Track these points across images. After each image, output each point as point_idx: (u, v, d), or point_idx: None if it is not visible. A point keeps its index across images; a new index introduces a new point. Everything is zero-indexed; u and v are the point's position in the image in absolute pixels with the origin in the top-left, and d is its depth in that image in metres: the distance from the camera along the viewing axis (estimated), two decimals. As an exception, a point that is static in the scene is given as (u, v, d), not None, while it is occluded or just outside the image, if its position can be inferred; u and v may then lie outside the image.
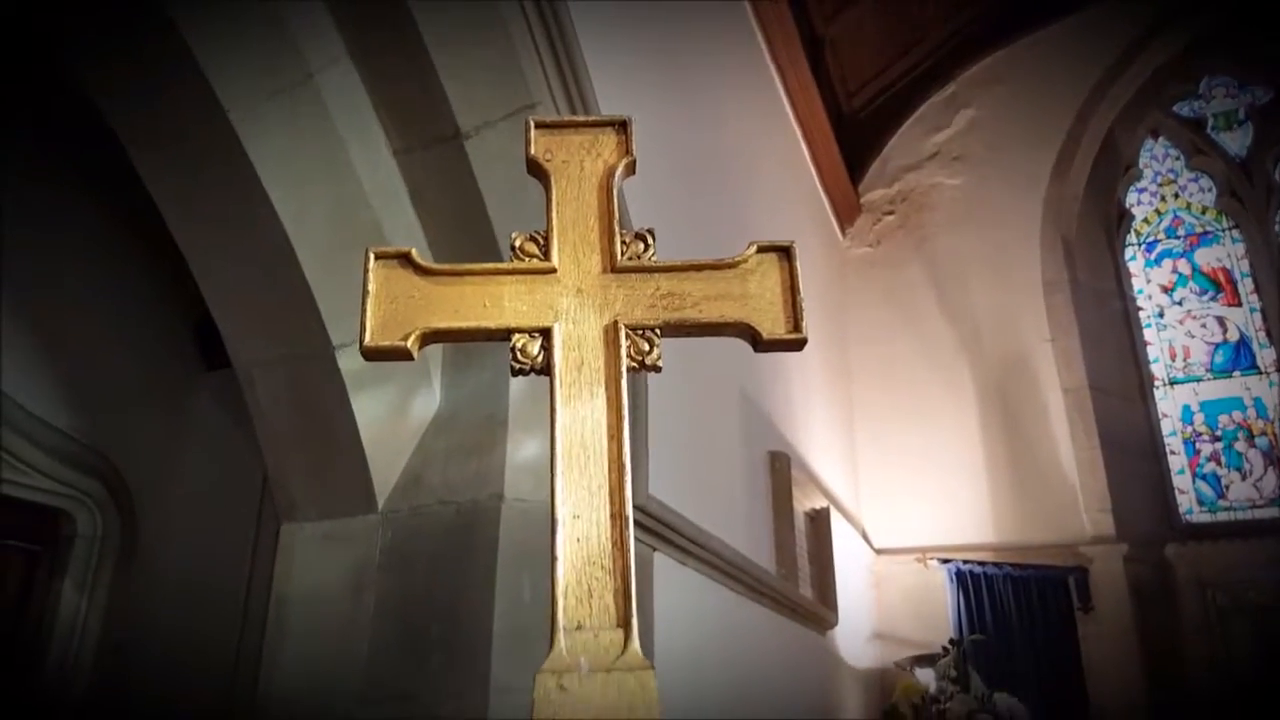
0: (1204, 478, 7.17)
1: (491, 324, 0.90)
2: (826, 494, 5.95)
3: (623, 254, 0.92)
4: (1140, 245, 7.90)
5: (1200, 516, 7.06)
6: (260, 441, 3.07)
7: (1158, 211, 7.97)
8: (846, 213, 8.19)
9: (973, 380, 7.51)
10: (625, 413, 0.84)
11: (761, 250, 0.94)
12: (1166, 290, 7.69)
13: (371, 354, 0.90)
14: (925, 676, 5.30)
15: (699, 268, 0.92)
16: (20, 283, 3.48)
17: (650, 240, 0.93)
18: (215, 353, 3.89)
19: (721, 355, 4.22)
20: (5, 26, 3.29)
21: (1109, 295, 7.68)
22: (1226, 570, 6.52)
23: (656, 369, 0.88)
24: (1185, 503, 7.12)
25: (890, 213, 8.29)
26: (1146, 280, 7.77)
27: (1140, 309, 7.68)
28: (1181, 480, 7.18)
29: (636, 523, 2.45)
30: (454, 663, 2.58)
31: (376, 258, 0.93)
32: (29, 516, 3.53)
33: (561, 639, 0.76)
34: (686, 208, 4.09)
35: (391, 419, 2.89)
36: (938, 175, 8.18)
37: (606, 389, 0.86)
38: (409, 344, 0.90)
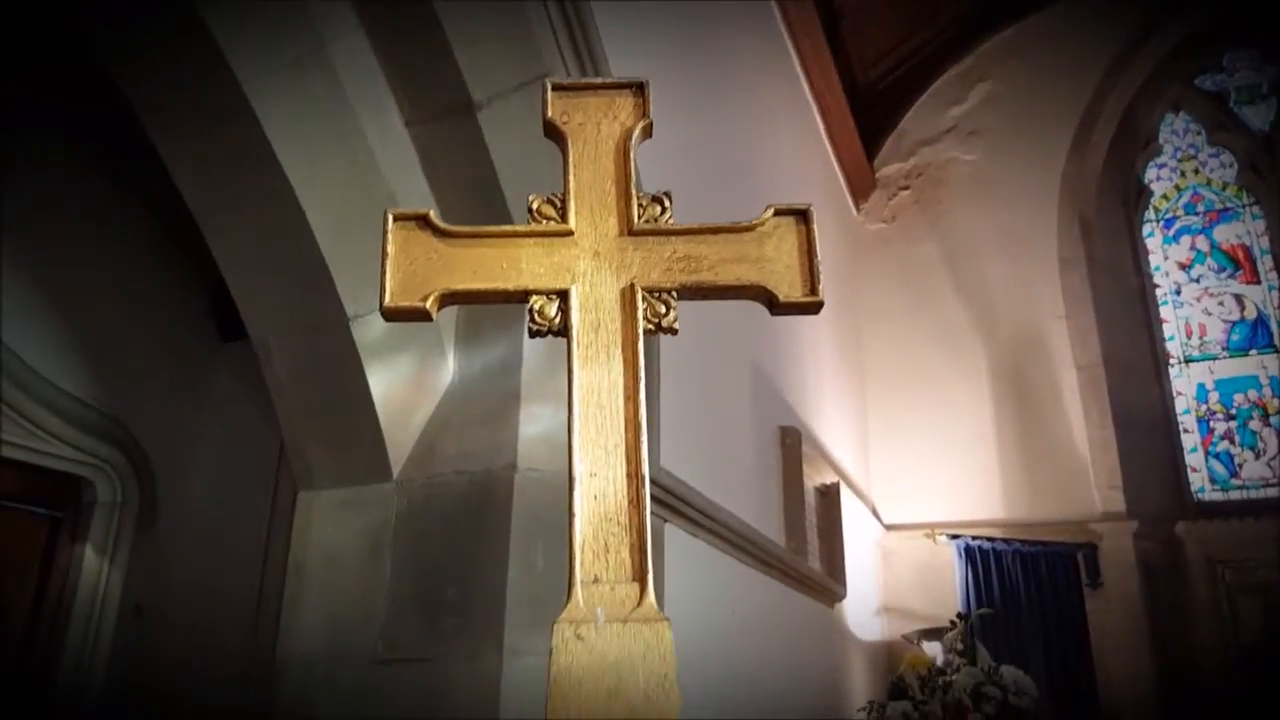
0: (1217, 456, 7.14)
1: (509, 286, 0.91)
2: (837, 469, 5.97)
3: (640, 217, 0.93)
4: (1158, 222, 7.83)
5: (1212, 495, 7.04)
6: (276, 411, 3.10)
7: (1177, 187, 7.88)
8: (861, 188, 8.14)
9: (986, 357, 7.49)
10: (641, 374, 0.86)
11: (779, 213, 0.94)
12: (1184, 267, 7.62)
13: (391, 314, 0.91)
14: (932, 650, 5.32)
15: (716, 230, 0.93)
16: (40, 257, 3.52)
17: (667, 203, 0.93)
18: (231, 324, 3.92)
19: (734, 331, 4.23)
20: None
21: (1125, 272, 7.62)
22: (1237, 548, 6.51)
23: (673, 331, 0.89)
24: (1197, 481, 7.10)
25: (905, 188, 8.23)
26: (1164, 257, 7.70)
27: (1157, 286, 7.62)
28: (1194, 459, 7.16)
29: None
30: (468, 627, 2.63)
31: (395, 219, 0.94)
32: (51, 483, 3.59)
33: (579, 592, 0.78)
34: (697, 181, 4.08)
35: (406, 389, 2.92)
36: (954, 150, 8.11)
37: (623, 351, 0.87)
38: (428, 304, 0.91)
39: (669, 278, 0.91)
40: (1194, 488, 7.08)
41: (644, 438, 0.83)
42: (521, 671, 2.51)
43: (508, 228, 0.93)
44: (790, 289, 0.91)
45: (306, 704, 2.79)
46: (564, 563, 0.83)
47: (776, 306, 0.92)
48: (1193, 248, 7.64)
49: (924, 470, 7.25)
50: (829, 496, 5.57)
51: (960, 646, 4.75)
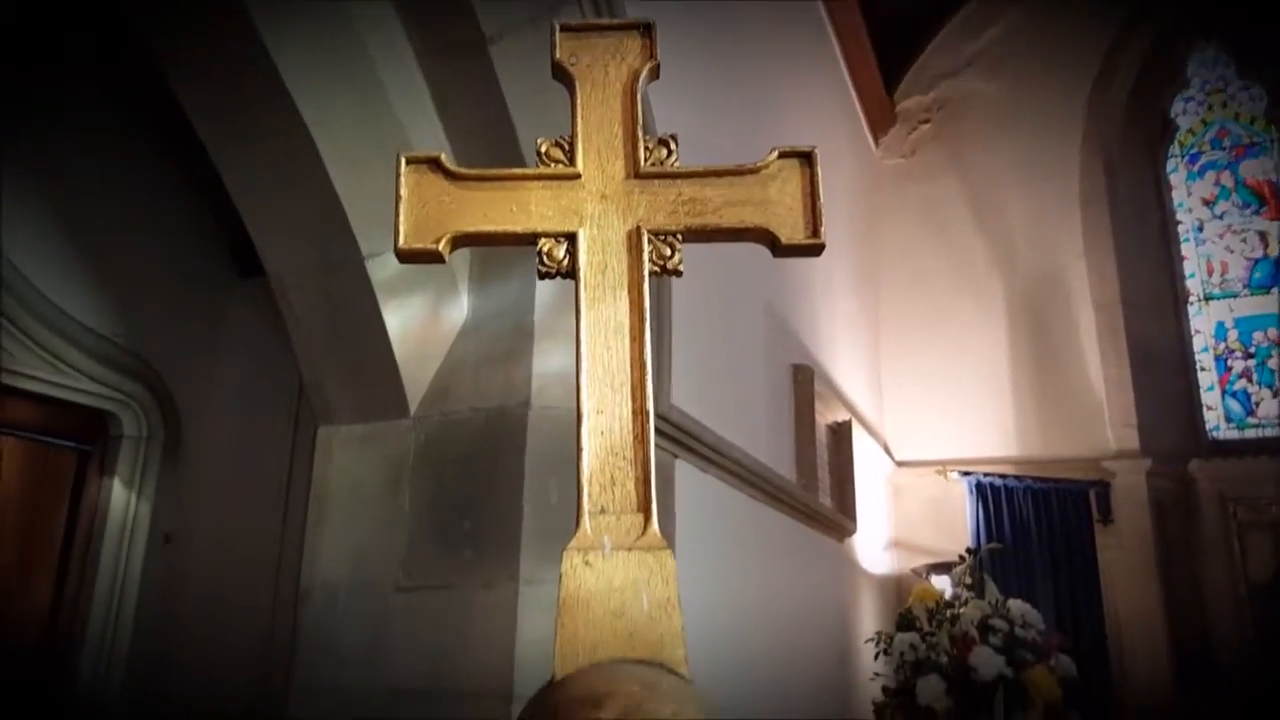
0: (1234, 395, 7.13)
1: (519, 228, 0.94)
2: (849, 407, 6.01)
3: (646, 160, 0.94)
4: (1183, 157, 7.68)
5: (1228, 433, 7.06)
6: (295, 348, 3.16)
7: (1204, 121, 7.71)
8: (880, 122, 8.00)
9: (1003, 294, 7.45)
10: (647, 315, 0.88)
11: (783, 156, 0.96)
12: (1207, 203, 7.50)
13: (405, 256, 0.94)
14: (941, 583, 5.42)
15: (720, 174, 0.95)
16: (62, 196, 3.56)
17: (673, 146, 0.95)
18: (250, 261, 3.96)
19: (747, 269, 4.23)
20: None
21: (1147, 208, 7.51)
22: (1249, 486, 6.54)
23: (678, 273, 0.92)
24: (1213, 419, 7.11)
25: (926, 121, 8.09)
26: (1187, 193, 7.58)
27: (1179, 223, 7.52)
28: (1210, 397, 7.15)
29: (658, 430, 2.52)
30: (485, 556, 2.71)
31: (408, 162, 0.96)
32: (79, 418, 3.69)
33: (586, 521, 0.82)
34: (712, 113, 4.04)
35: (421, 328, 2.96)
36: (976, 83, 7.94)
37: (629, 292, 0.89)
38: (440, 246, 0.94)
39: (674, 220, 0.93)
40: (1209, 426, 7.09)
41: (649, 376, 0.87)
42: (536, 599, 2.59)
43: (516, 170, 0.95)
44: (793, 231, 0.93)
45: (330, 628, 2.90)
46: (576, 483, 0.87)
47: (779, 249, 0.94)
48: (1217, 183, 7.52)
49: (937, 407, 7.28)
50: (840, 434, 5.63)
51: (968, 581, 4.82)
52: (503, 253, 2.88)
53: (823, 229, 0.92)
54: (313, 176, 2.80)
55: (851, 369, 6.46)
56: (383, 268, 2.90)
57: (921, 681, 4.09)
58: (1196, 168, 7.62)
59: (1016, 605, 4.53)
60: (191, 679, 3.82)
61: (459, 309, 3.06)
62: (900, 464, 7.23)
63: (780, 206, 0.92)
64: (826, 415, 5.43)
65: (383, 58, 2.84)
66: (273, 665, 3.80)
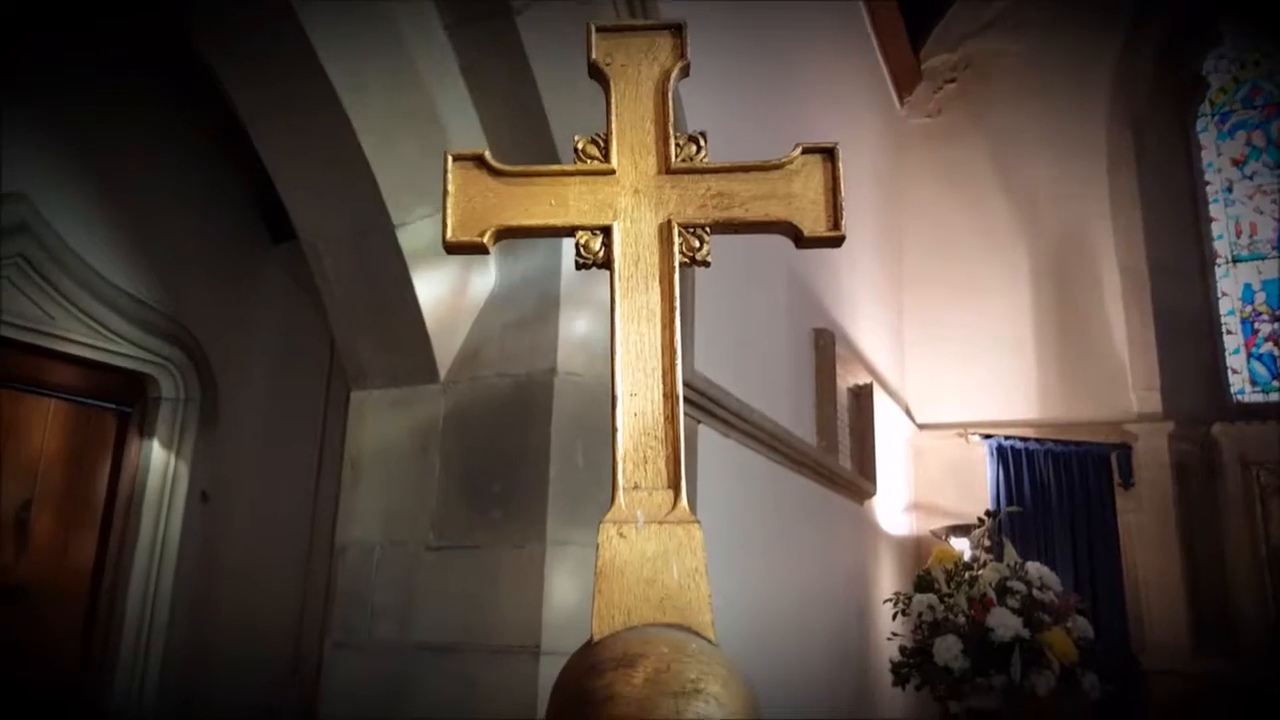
0: (1259, 358, 7.08)
1: (558, 222, 0.99)
2: (871, 370, 6.05)
3: (677, 156, 0.99)
4: (1213, 116, 7.55)
5: (1252, 396, 7.02)
6: (328, 314, 3.25)
7: (1235, 80, 7.56)
8: (905, 81, 7.91)
9: (1027, 256, 7.41)
10: (677, 304, 0.94)
11: (806, 151, 1.00)
12: (1237, 164, 7.39)
13: (453, 248, 1.00)
14: (960, 545, 5.49)
15: (746, 169, 1.00)
16: (99, 165, 3.65)
17: (702, 142, 1.00)
18: (280, 226, 4.04)
19: (771, 236, 4.25)
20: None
21: (1176, 169, 7.41)
22: (1273, 449, 6.50)
23: (706, 264, 0.97)
24: (1238, 383, 7.06)
25: (951, 81, 7.99)
26: (1217, 153, 7.46)
27: (1208, 183, 7.41)
28: (1236, 360, 7.11)
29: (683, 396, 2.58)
30: (514, 517, 2.80)
31: (454, 160, 1.01)
32: (119, 381, 3.82)
33: (621, 496, 0.89)
34: (735, 71, 4.04)
35: (451, 295, 3.02)
36: (1002, 42, 7.82)
37: (660, 282, 0.95)
38: (485, 239, 1.00)
39: (703, 214, 0.98)
40: (1233, 389, 7.05)
41: (679, 361, 0.93)
42: (563, 559, 2.69)
43: (555, 167, 1.00)
44: (815, 224, 0.98)
45: (364, 584, 3.02)
46: (602, 462, 0.94)
47: (802, 240, 0.99)
48: (1248, 143, 7.39)
49: (960, 370, 7.29)
50: (862, 397, 5.67)
51: (987, 542, 4.88)
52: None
53: (843, 222, 0.97)
54: (344, 147, 2.86)
55: (874, 332, 6.48)
56: (413, 236, 2.96)
57: (939, 642, 4.17)
58: (1227, 127, 7.49)
59: (1034, 567, 4.59)
60: (230, 629, 3.99)
61: (487, 277, 3.12)
62: (921, 427, 7.27)
63: (804, 200, 0.97)
64: (848, 379, 5.47)
65: (411, 29, 2.87)
66: (307, 616, 3.96)
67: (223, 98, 2.95)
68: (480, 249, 1.00)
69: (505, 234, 1.02)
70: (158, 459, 3.89)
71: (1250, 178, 7.32)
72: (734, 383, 3.56)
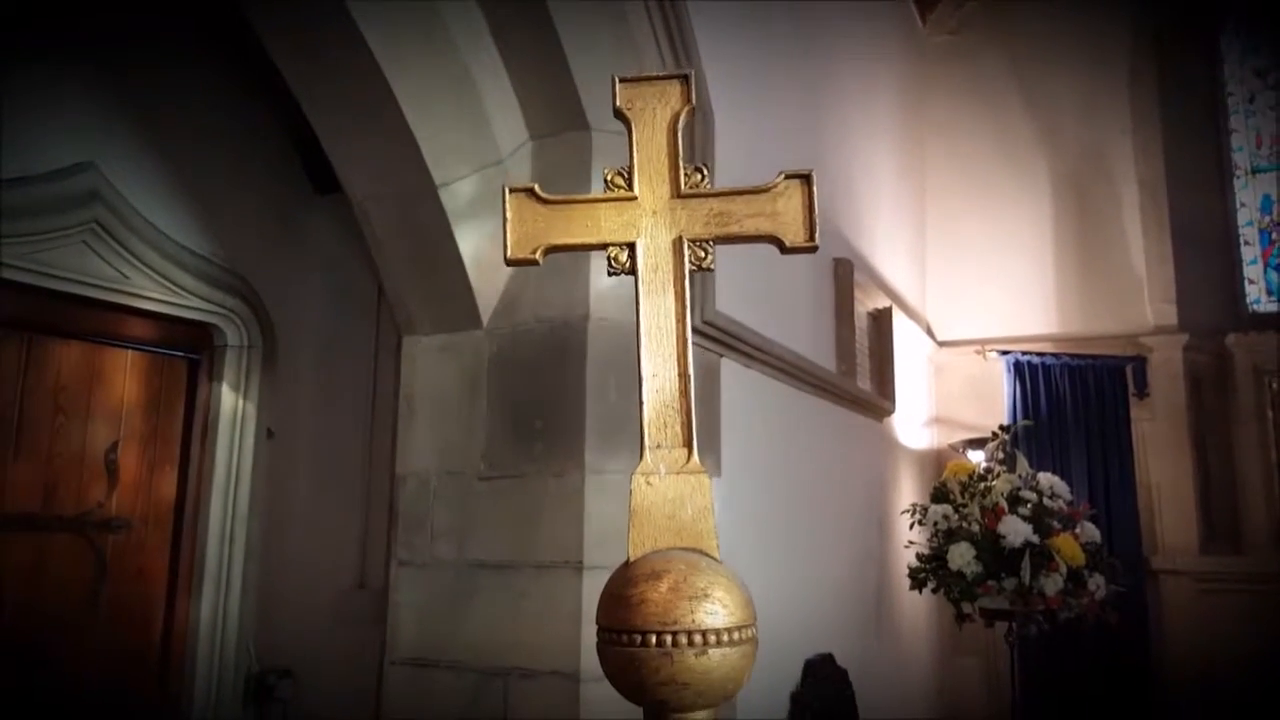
0: (1276, 268, 7.18)
1: (593, 240, 1.26)
2: (890, 293, 6.24)
3: (685, 183, 1.25)
4: (1238, 31, 7.46)
5: (1268, 306, 7.14)
6: (379, 266, 3.53)
7: (1264, -13, 7.45)
8: (927, -1, 7.88)
9: (1048, 171, 7.49)
10: (688, 302, 1.21)
11: (788, 177, 1.26)
12: (1259, 74, 7.34)
13: (512, 263, 1.27)
14: (976, 458, 5.77)
15: (741, 192, 1.25)
16: (163, 135, 3.92)
17: (705, 171, 1.25)
18: (324, 178, 4.30)
19: (790, 167, 4.43)
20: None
21: (1198, 81, 7.38)
22: (1286, 358, 6.66)
23: (710, 270, 1.24)
24: (1254, 293, 7.18)
25: (974, -4, 7.94)
26: (1240, 64, 7.41)
27: (1230, 95, 7.39)
28: (1253, 270, 7.21)
29: (705, 335, 2.86)
30: (554, 449, 3.13)
31: (511, 191, 1.28)
32: (188, 331, 4.16)
33: (648, 454, 1.18)
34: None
35: (491, 248, 3.29)
36: (1027, -47, 7.73)
37: (674, 286, 1.22)
38: (536, 255, 1.27)
39: (707, 230, 1.24)
40: (1250, 300, 7.17)
41: (690, 349, 1.20)
42: (600, 487, 3.02)
43: (589, 195, 1.26)
44: (795, 236, 1.24)
45: (424, 509, 3.38)
46: (632, 399, 1.22)
47: (785, 249, 1.25)
48: (1274, 53, 7.32)
49: (980, 287, 7.46)
50: (881, 320, 5.89)
51: (1001, 455, 5.10)
52: (561, 181, 3.17)
53: (816, 234, 1.22)
54: (387, 112, 3.08)
55: (894, 253, 6.64)
56: (454, 196, 3.21)
57: (953, 548, 4.42)
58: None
59: (1045, 477, 4.83)
60: (301, 548, 4.41)
61: (522, 230, 3.36)
62: (942, 344, 7.49)
63: (787, 217, 1.23)
64: (866, 304, 5.68)
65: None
66: (369, 538, 4.37)
67: (268, 62, 3.17)
68: (533, 263, 1.27)
69: (551, 250, 1.28)
70: (227, 401, 4.25)
71: (1274, 87, 7.29)
72: (754, 317, 3.81)
